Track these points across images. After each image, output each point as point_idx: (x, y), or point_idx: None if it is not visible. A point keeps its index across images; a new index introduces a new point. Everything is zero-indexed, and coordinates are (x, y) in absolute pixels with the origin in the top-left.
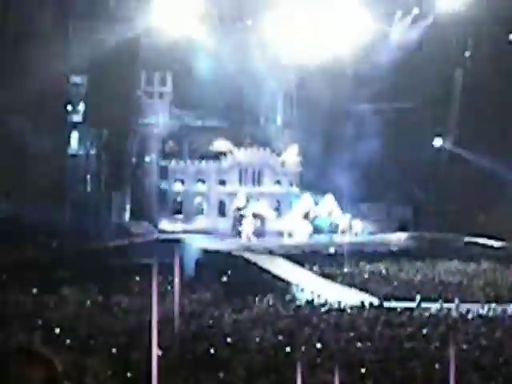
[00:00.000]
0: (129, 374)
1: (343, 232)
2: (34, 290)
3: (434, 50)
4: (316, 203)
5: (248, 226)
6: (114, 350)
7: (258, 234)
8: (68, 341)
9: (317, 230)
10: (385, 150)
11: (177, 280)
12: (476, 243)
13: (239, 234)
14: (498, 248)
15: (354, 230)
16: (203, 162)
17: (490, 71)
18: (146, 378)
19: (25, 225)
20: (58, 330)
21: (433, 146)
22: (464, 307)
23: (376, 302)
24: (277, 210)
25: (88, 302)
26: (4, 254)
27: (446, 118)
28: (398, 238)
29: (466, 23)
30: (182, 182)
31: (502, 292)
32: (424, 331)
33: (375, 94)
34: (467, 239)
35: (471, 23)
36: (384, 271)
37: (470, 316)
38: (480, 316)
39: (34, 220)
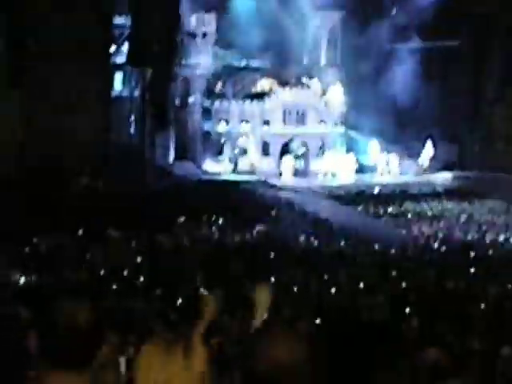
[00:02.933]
0: (173, 316)
1: (385, 172)
2: (80, 233)
3: None
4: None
5: (287, 167)
6: (159, 292)
7: (301, 174)
8: (114, 285)
9: (362, 170)
10: (430, 89)
11: (220, 221)
12: None
13: (283, 174)
14: None
15: (391, 169)
16: (247, 102)
17: None
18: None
19: (68, 168)
20: (103, 273)
21: (478, 85)
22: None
23: (421, 241)
24: (321, 149)
25: (133, 245)
26: (48, 197)
27: (491, 57)
28: (444, 177)
29: None
30: (226, 122)
31: None
32: (471, 270)
33: (420, 32)
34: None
35: None
36: (429, 212)
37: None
38: None
39: (77, 163)
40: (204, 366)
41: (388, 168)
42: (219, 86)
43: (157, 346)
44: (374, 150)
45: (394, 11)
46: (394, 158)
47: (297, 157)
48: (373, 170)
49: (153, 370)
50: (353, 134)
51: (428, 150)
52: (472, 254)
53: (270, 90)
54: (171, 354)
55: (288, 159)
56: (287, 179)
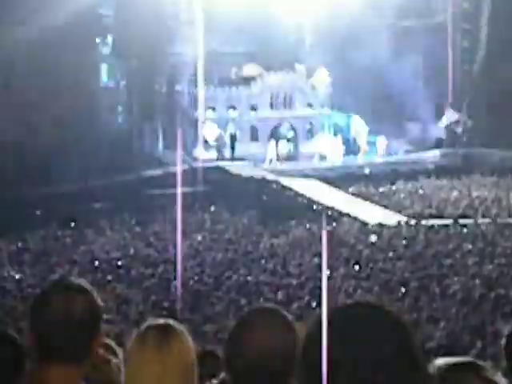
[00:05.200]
0: (167, 304)
1: (374, 152)
2: (72, 224)
3: None
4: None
5: (271, 151)
6: (153, 281)
7: (290, 157)
8: (108, 273)
9: (351, 151)
10: (417, 69)
11: (212, 207)
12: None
13: (275, 158)
14: None
15: (378, 149)
16: (233, 88)
17: None
18: (185, 304)
19: (58, 159)
20: (97, 263)
21: (465, 62)
22: (501, 222)
23: (413, 220)
24: (309, 132)
25: (125, 233)
26: (37, 188)
27: (477, 34)
28: (433, 155)
29: None
30: (213, 109)
31: None
32: (462, 247)
33: (404, 11)
34: (502, 154)
35: None
36: (420, 190)
37: (507, 231)
38: None
39: (67, 153)
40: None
41: (375, 148)
42: (205, 72)
43: (136, 336)
44: (357, 127)
45: None
46: (381, 139)
47: (288, 140)
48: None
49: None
50: (340, 115)
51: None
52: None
53: (256, 74)
54: (146, 343)
55: (271, 143)
56: (277, 163)
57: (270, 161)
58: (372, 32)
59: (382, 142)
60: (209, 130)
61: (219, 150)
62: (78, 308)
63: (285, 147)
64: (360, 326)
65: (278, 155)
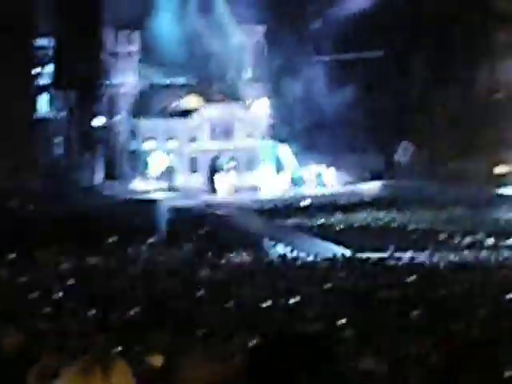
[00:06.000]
0: (107, 335)
1: (314, 184)
2: (11, 256)
3: None
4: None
5: (221, 182)
6: (92, 312)
7: (230, 189)
8: (45, 305)
9: (292, 183)
10: (356, 100)
11: (152, 239)
12: (449, 190)
13: (213, 190)
14: (469, 195)
15: (325, 181)
16: (173, 120)
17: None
18: (126, 336)
19: None
20: (34, 295)
21: (403, 94)
22: (437, 255)
23: (349, 253)
24: (249, 163)
25: (64, 265)
26: None
27: (415, 66)
28: (371, 187)
29: None
30: (153, 140)
31: (474, 238)
32: (399, 280)
33: (345, 45)
34: (440, 186)
35: None
36: (358, 222)
37: (442, 264)
38: (452, 263)
39: (5, 185)
40: None
41: (319, 180)
42: (145, 104)
43: (77, 367)
44: (284, 156)
45: (317, 24)
46: (324, 170)
47: (226, 171)
48: (302, 182)
49: None
50: (281, 147)
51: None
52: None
53: (196, 106)
54: (91, 376)
55: (223, 176)
56: (223, 195)
57: (219, 192)
58: (306, 64)
59: (322, 173)
60: (157, 161)
61: (169, 179)
62: (9, 344)
63: (234, 179)
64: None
65: (216, 187)
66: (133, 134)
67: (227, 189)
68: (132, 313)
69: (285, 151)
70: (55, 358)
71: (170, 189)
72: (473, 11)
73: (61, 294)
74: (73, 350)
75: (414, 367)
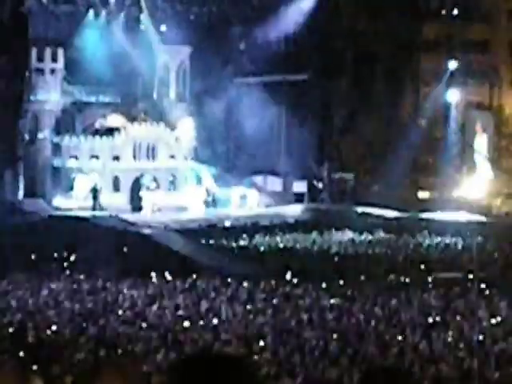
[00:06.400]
0: (23, 355)
1: (237, 205)
2: None
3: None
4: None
5: (148, 200)
6: (9, 331)
7: (156, 208)
8: None
9: (214, 204)
10: (279, 123)
11: (72, 258)
12: (370, 214)
13: (136, 209)
14: (391, 218)
15: (249, 202)
16: (97, 138)
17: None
18: (43, 356)
19: None
20: None
21: (327, 118)
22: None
23: (273, 274)
24: (172, 184)
25: None
26: None
27: (339, 90)
28: (294, 210)
29: None
30: (76, 158)
31: (395, 263)
32: (322, 303)
33: (269, 67)
34: (361, 210)
35: None
36: (280, 244)
37: (367, 288)
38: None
39: None
40: None
41: (243, 201)
42: (68, 121)
43: None
44: (207, 177)
45: (241, 46)
46: (250, 192)
47: (151, 190)
48: (226, 203)
49: None
50: (204, 168)
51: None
52: None
53: (120, 125)
54: None
55: (149, 194)
56: (148, 214)
57: (145, 210)
58: (230, 86)
59: (246, 194)
60: (83, 181)
61: (95, 198)
62: None
63: (159, 197)
64: (210, 377)
65: (142, 205)
66: (56, 151)
67: (152, 207)
68: (49, 332)
69: (207, 172)
70: None
71: (94, 207)
72: (397, 38)
73: None
74: None
75: None
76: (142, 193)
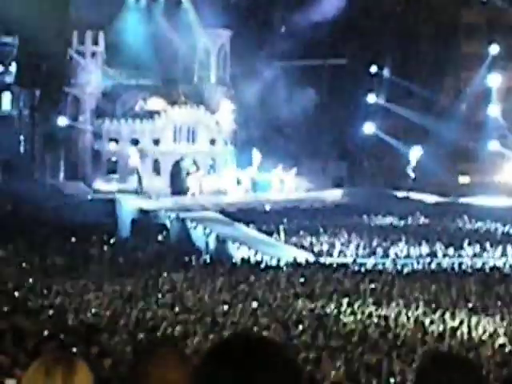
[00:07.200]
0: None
1: (278, 189)
2: None
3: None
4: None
5: (193, 183)
6: (50, 313)
7: (199, 192)
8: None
9: (254, 187)
10: (319, 107)
11: (113, 240)
12: (410, 198)
13: (176, 192)
14: (431, 203)
15: (288, 186)
16: (137, 121)
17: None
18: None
19: None
20: None
21: (366, 102)
22: (400, 262)
23: (312, 258)
24: (211, 168)
25: (24, 264)
26: None
27: (379, 75)
28: (334, 194)
29: None
30: (116, 141)
31: (436, 247)
32: (361, 287)
33: (308, 51)
34: (401, 194)
35: None
36: (320, 228)
37: (405, 270)
38: (415, 271)
39: None
40: None
41: (283, 185)
42: (109, 104)
43: (38, 368)
44: (256, 161)
45: (282, 30)
46: (288, 175)
47: (188, 174)
48: (266, 187)
49: None
50: (244, 151)
51: None
52: None
53: (160, 108)
54: (52, 376)
55: (196, 176)
56: (192, 195)
57: (193, 194)
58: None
59: (285, 178)
60: (135, 160)
61: (134, 180)
62: None
63: (203, 180)
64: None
65: (188, 186)
66: (96, 134)
67: (198, 189)
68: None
69: (248, 156)
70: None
71: (136, 190)
72: (438, 22)
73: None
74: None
75: None
76: (189, 177)
